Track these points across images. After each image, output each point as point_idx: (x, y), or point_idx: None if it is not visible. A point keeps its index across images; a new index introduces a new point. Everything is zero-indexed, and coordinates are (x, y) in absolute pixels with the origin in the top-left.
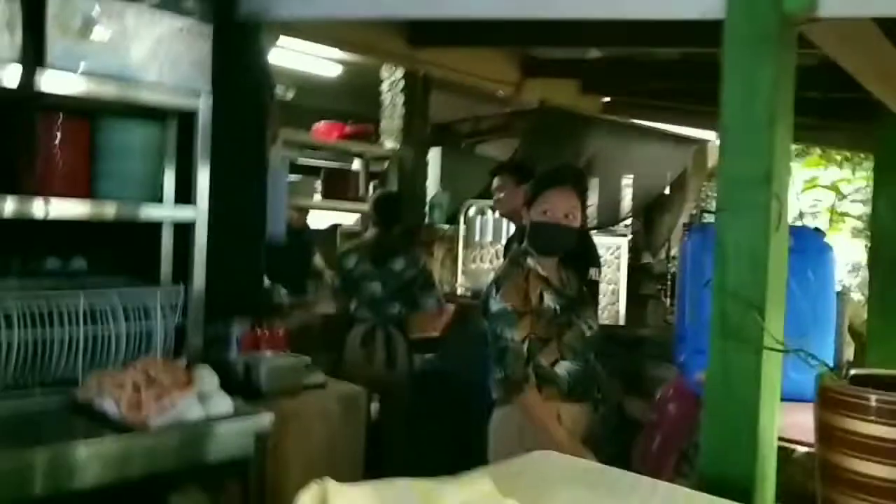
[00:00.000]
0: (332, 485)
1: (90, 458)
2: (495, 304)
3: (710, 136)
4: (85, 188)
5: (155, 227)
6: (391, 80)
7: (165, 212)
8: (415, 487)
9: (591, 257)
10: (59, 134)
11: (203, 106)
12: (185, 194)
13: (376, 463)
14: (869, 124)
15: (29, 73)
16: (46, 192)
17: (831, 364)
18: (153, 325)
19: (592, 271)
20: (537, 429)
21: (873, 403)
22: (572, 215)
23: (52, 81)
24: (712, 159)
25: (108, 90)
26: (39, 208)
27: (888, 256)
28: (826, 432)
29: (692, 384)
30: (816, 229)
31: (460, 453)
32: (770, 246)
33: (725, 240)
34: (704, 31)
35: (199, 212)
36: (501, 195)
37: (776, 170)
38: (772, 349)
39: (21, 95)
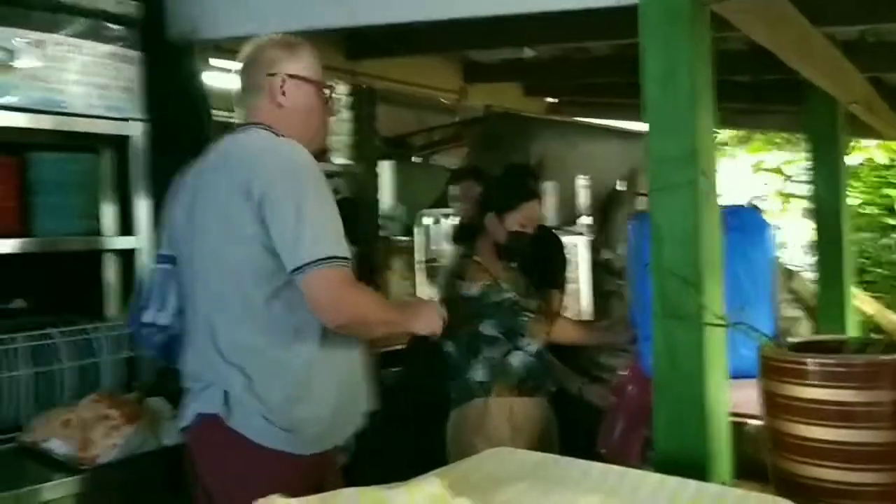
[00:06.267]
0: (279, 499)
1: (43, 501)
2: (472, 288)
3: None
4: (18, 225)
5: (96, 260)
6: (336, 96)
7: (105, 243)
8: (363, 495)
9: (560, 259)
10: None
11: (136, 132)
12: (126, 224)
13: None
14: (799, 105)
15: None
16: None
17: (773, 335)
18: (99, 361)
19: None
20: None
21: (810, 367)
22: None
23: None
24: None
25: (35, 121)
26: None
27: (829, 232)
28: (770, 400)
29: (647, 369)
30: (753, 206)
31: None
32: (701, 222)
33: (658, 219)
34: (629, 21)
35: (140, 241)
36: (465, 201)
37: (701, 147)
38: (712, 324)
39: None
